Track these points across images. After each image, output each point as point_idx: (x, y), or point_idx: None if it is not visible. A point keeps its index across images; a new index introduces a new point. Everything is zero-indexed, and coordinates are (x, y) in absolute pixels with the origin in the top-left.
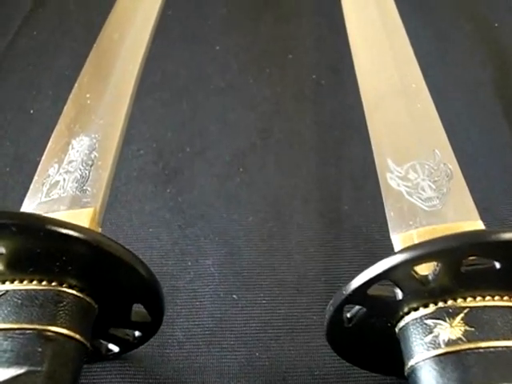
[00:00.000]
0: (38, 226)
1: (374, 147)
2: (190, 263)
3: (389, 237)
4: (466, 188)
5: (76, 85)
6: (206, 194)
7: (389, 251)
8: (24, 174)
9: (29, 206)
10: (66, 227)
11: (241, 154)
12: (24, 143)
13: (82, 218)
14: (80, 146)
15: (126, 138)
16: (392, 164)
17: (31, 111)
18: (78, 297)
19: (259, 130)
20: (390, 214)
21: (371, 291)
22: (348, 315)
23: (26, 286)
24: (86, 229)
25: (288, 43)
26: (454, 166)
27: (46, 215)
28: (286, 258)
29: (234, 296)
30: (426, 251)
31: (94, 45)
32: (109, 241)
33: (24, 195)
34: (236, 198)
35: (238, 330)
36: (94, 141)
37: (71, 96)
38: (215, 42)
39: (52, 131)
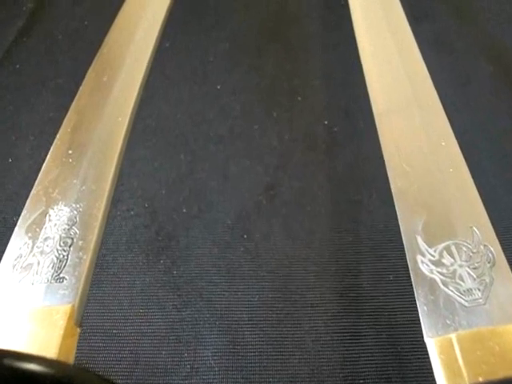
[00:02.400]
0: None
1: (400, 222)
2: (186, 354)
3: (415, 321)
4: None
5: (57, 136)
6: (205, 266)
7: (415, 339)
8: None
9: None
10: (27, 361)
11: (244, 217)
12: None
13: (58, 317)
14: (58, 219)
15: (114, 196)
16: (423, 244)
17: (9, 159)
18: None
19: (265, 187)
20: (423, 309)
21: None
22: None
23: None
24: (53, 362)
25: (296, 82)
26: (495, 248)
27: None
28: (297, 347)
29: None
30: None
31: (80, 87)
32: (83, 373)
33: None
34: (239, 271)
35: None
36: (75, 212)
37: (51, 150)
38: (216, 80)
39: (32, 185)
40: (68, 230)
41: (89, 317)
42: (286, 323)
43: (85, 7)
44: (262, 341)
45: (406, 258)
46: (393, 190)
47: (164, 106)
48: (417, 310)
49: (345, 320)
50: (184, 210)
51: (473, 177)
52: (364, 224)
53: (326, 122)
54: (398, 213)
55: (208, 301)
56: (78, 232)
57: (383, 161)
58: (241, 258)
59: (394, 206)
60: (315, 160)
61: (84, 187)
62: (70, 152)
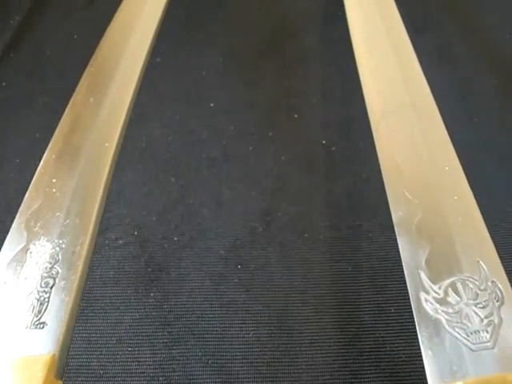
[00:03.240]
0: None
1: (402, 255)
2: None
3: (418, 355)
4: None
5: (41, 163)
6: (197, 299)
7: (419, 376)
8: None
9: None
10: None
11: (239, 246)
12: None
13: (37, 368)
14: (40, 256)
15: (100, 226)
16: (427, 280)
17: None
18: None
19: (260, 213)
20: (427, 353)
21: None
22: None
23: None
24: None
25: (293, 99)
26: (504, 284)
27: None
28: None
29: None
30: None
31: (66, 109)
32: None
33: None
34: (233, 305)
35: None
36: (58, 249)
37: (34, 178)
38: (209, 97)
39: (17, 211)
40: (50, 268)
41: (74, 355)
42: (282, 361)
43: (74, 20)
44: (257, 381)
45: (408, 289)
46: (394, 220)
47: (154, 126)
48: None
49: (345, 357)
50: (175, 239)
51: (479, 199)
52: (363, 252)
53: (323, 142)
54: (399, 245)
55: (200, 338)
56: (60, 271)
57: (383, 183)
58: (235, 291)
59: (394, 232)
60: (313, 183)
61: (67, 221)
62: (54, 181)
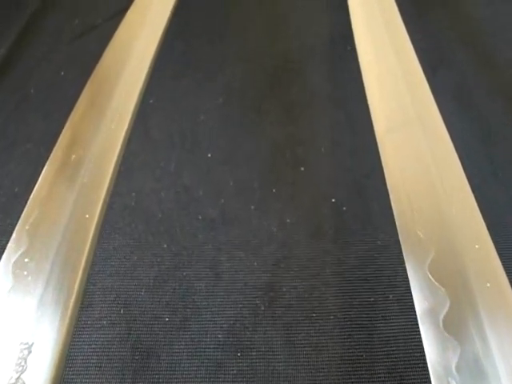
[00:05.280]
0: None
1: (428, 358)
2: None
3: None
4: None
5: (14, 235)
6: None
7: None
8: None
9: None
10: None
11: (238, 329)
12: None
13: None
14: (5, 361)
15: (83, 298)
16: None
17: None
18: None
19: (263, 288)
20: None
21: None
22: None
23: None
24: None
25: (299, 148)
26: None
27: None
28: None
29: None
30: None
31: (45, 167)
32: None
33: None
34: None
35: None
36: (26, 353)
37: (5, 255)
38: (207, 146)
39: None
40: (16, 379)
41: None
42: None
43: (62, 54)
44: None
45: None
46: (417, 311)
47: (146, 179)
48: None
49: None
50: (166, 319)
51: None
52: (379, 335)
53: (333, 200)
54: (424, 343)
55: None
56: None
57: (401, 250)
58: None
59: (415, 311)
60: (321, 250)
61: (39, 313)
62: (27, 260)
